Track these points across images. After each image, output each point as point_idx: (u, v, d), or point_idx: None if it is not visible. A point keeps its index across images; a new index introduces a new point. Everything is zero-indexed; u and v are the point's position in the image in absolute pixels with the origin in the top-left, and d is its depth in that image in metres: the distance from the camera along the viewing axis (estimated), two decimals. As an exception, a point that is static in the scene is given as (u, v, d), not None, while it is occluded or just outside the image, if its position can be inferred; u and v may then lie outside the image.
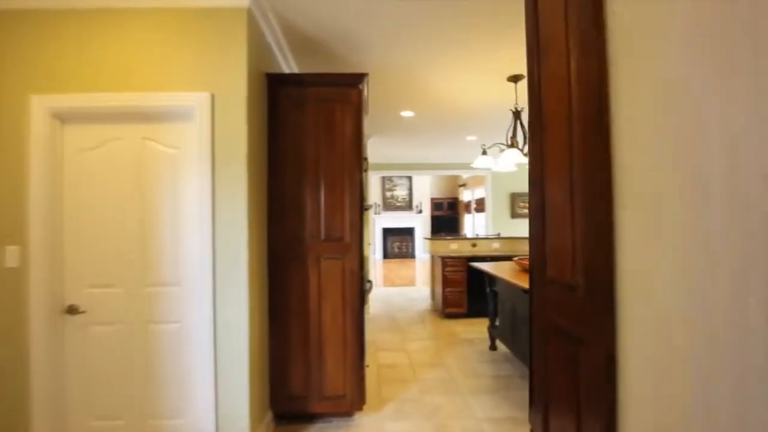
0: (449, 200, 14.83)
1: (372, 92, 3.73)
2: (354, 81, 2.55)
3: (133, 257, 2.07)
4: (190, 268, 2.05)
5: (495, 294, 3.96)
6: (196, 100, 2.03)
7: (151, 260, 2.07)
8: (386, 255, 13.78)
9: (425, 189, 14.07)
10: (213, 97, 2.06)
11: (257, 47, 2.30)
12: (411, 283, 8.52)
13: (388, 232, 13.84)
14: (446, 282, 5.22)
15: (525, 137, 3.36)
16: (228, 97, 2.08)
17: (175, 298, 2.07)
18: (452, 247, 5.89)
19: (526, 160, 3.25)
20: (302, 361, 2.49)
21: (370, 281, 3.08)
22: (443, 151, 7.08)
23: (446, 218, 14.72)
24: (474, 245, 5.95)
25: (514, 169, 3.63)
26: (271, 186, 2.51)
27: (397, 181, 13.85)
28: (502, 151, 3.42)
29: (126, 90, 2.03)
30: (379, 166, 8.01)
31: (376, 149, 6.80)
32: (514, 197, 8.17)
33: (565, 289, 1.39)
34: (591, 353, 1.26)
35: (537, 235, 1.61)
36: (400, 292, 7.44)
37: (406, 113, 4.48)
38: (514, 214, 8.18)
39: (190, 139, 2.06)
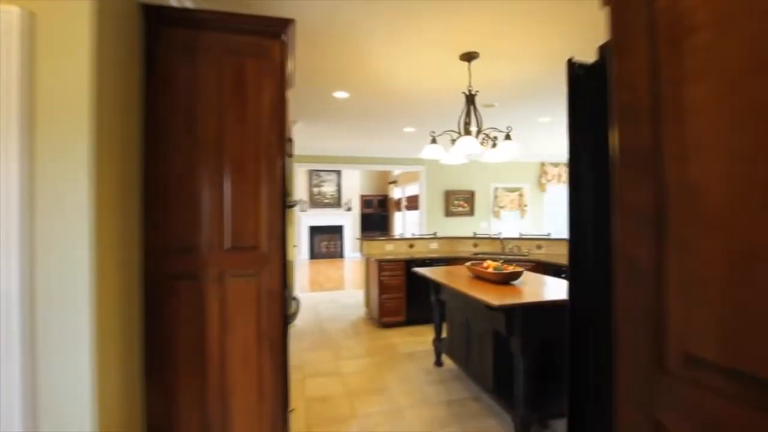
0: (379, 197, 14.42)
1: (300, 62, 3.02)
2: (275, 28, 1.85)
3: None
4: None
5: (441, 304, 3.50)
6: (-7, 19, 1.19)
7: None
8: (313, 255, 12.95)
9: (355, 185, 13.48)
10: (31, 16, 1.23)
11: (119, -44, 1.50)
12: (341, 285, 7.87)
13: (315, 231, 13.00)
14: (383, 288, 4.68)
15: (479, 124, 2.92)
16: (61, 22, 1.26)
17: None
18: (388, 248, 5.38)
19: (483, 150, 2.81)
20: (198, 425, 1.73)
21: (296, 299, 2.39)
22: (377, 144, 6.54)
23: (376, 216, 14.30)
24: (411, 246, 5.49)
25: (464, 161, 3.18)
26: (149, 172, 1.71)
27: (325, 176, 13.06)
28: (453, 140, 2.95)
29: None
30: (305, 159, 7.23)
31: (302, 139, 6.02)
32: (449, 195, 7.93)
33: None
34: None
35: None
36: (329, 297, 6.76)
37: (340, 94, 3.83)
38: (449, 213, 7.95)
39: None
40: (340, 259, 12.82)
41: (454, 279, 2.99)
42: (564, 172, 8.60)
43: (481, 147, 2.71)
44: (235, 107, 1.81)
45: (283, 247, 1.86)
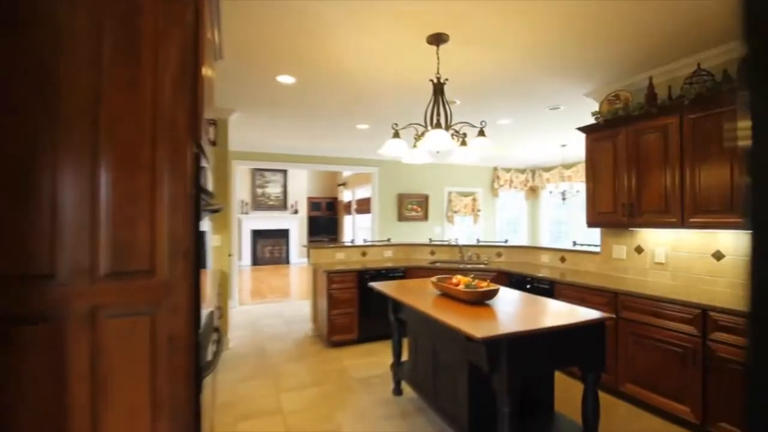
0: (328, 200, 13.80)
1: (233, 34, 2.43)
2: (183, -45, 1.29)
3: None
4: None
5: (401, 323, 3.06)
6: None
7: None
8: (256, 261, 12.02)
9: (302, 187, 12.76)
10: None
11: None
12: (286, 295, 7.19)
13: (258, 235, 12.09)
14: (333, 303, 4.16)
15: (448, 118, 2.53)
16: None
17: None
18: (338, 256, 4.86)
19: (454, 145, 2.41)
20: None
21: (218, 332, 1.81)
22: (328, 142, 6.00)
23: (325, 219, 13.66)
24: (364, 254, 5.02)
25: (428, 159, 2.77)
26: (-31, 155, 1.08)
27: (269, 176, 12.21)
28: (419, 135, 2.53)
29: None
30: (247, 156, 6.50)
31: (242, 133, 5.33)
32: (402, 198, 7.57)
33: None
34: None
35: None
36: (273, 310, 6.08)
37: (285, 78, 3.27)
38: (402, 217, 7.59)
39: None
40: (285, 265, 12.01)
41: (419, 298, 2.56)
42: (515, 178, 8.62)
43: (453, 142, 2.31)
44: (122, 67, 1.23)
45: (194, 268, 1.30)
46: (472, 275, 2.68)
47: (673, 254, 3.16)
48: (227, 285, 4.25)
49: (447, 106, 2.44)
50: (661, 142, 2.95)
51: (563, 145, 6.55)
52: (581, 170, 7.57)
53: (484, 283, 2.41)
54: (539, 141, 6.19)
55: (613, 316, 2.43)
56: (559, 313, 2.13)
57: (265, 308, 6.18)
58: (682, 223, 2.81)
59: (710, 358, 2.35)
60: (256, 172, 11.94)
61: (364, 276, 4.30)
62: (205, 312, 1.51)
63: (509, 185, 8.56)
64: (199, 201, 1.31)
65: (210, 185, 1.75)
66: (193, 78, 1.31)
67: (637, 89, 3.37)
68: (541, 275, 3.65)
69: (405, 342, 3.54)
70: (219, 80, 3.29)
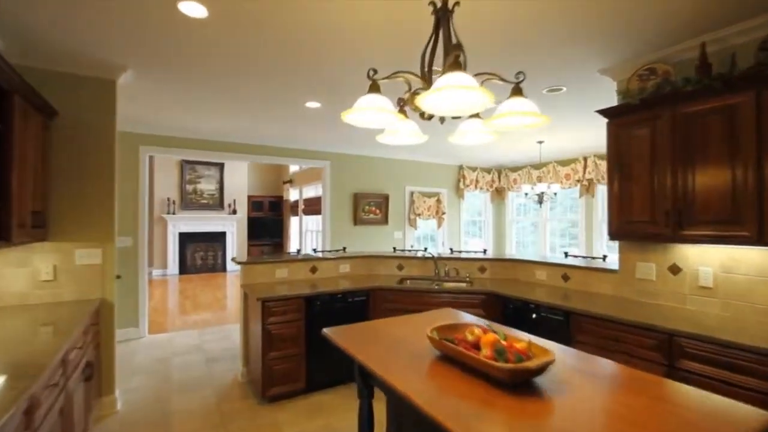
0: (272, 199, 12.38)
1: None
2: None
3: None
4: None
5: (369, 390, 2.00)
6: None
7: None
8: (185, 269, 10.33)
9: (241, 183, 11.24)
10: None
11: None
12: (216, 314, 5.82)
13: (187, 239, 10.41)
14: (270, 342, 3.00)
15: (463, 59, 1.51)
16: None
17: None
18: (279, 274, 3.69)
19: (489, 101, 1.39)
20: None
21: None
22: (268, 128, 4.79)
23: (268, 221, 12.21)
24: (314, 270, 3.89)
25: (422, 139, 1.74)
26: None
27: (202, 170, 10.57)
28: (412, 93, 1.51)
29: None
30: (165, 141, 5.08)
31: (148, 106, 3.98)
32: (358, 199, 6.50)
33: None
34: None
35: None
36: (193, 339, 4.74)
37: (191, 7, 2.08)
38: (359, 220, 6.51)
39: None
40: (221, 274, 10.45)
41: (405, 362, 1.53)
42: (481, 178, 7.89)
43: (483, 95, 1.29)
44: None
45: None
46: (499, 332, 1.69)
47: (724, 276, 2.42)
48: (111, 318, 2.93)
49: (457, 39, 1.43)
50: (726, 127, 2.16)
51: (540, 142, 5.86)
52: (552, 171, 6.98)
53: (522, 343, 1.43)
54: (519, 136, 5.42)
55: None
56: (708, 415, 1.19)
57: (183, 337, 4.82)
58: (760, 238, 2.04)
59: None
60: (186, 165, 10.26)
61: (314, 303, 3.19)
62: None
63: (474, 186, 7.82)
64: None
65: None
66: None
67: (676, 62, 2.61)
68: (549, 302, 2.77)
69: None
70: (81, 6, 2.03)
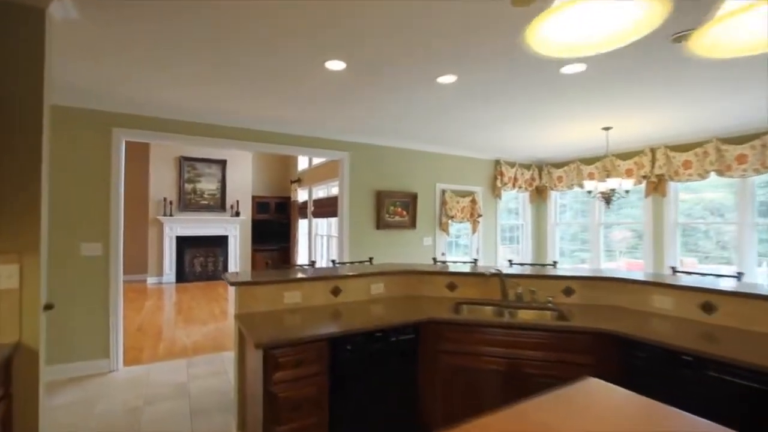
0: (278, 200, 11.38)
1: None
2: None
3: None
4: None
5: None
6: None
7: None
8: (182, 277, 9.36)
9: (245, 182, 10.27)
10: None
11: None
12: (215, 333, 4.80)
13: (186, 243, 9.44)
14: (276, 412, 1.95)
15: None
16: None
17: None
18: (289, 298, 2.65)
19: None
20: None
21: None
22: (272, 106, 3.78)
23: (274, 224, 11.21)
24: (336, 291, 2.85)
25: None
26: None
27: (203, 168, 9.61)
28: None
29: None
30: (148, 124, 4.07)
31: (117, 70, 2.98)
32: (382, 198, 5.46)
33: None
34: None
35: None
36: (177, 375, 3.71)
37: None
38: (382, 224, 5.47)
39: None
40: (222, 282, 9.45)
41: None
42: (520, 176, 6.82)
43: None
44: None
45: None
46: None
47: None
48: (34, 372, 1.91)
49: None
50: None
51: (606, 128, 4.79)
52: (610, 166, 5.89)
53: None
54: (580, 121, 4.34)
55: None
56: None
57: (167, 371, 3.79)
58: None
59: None
60: (185, 162, 9.31)
61: (342, 347, 2.14)
62: None
63: (513, 184, 6.75)
64: None
65: None
66: None
67: None
68: (729, 356, 1.70)
69: None
70: None
